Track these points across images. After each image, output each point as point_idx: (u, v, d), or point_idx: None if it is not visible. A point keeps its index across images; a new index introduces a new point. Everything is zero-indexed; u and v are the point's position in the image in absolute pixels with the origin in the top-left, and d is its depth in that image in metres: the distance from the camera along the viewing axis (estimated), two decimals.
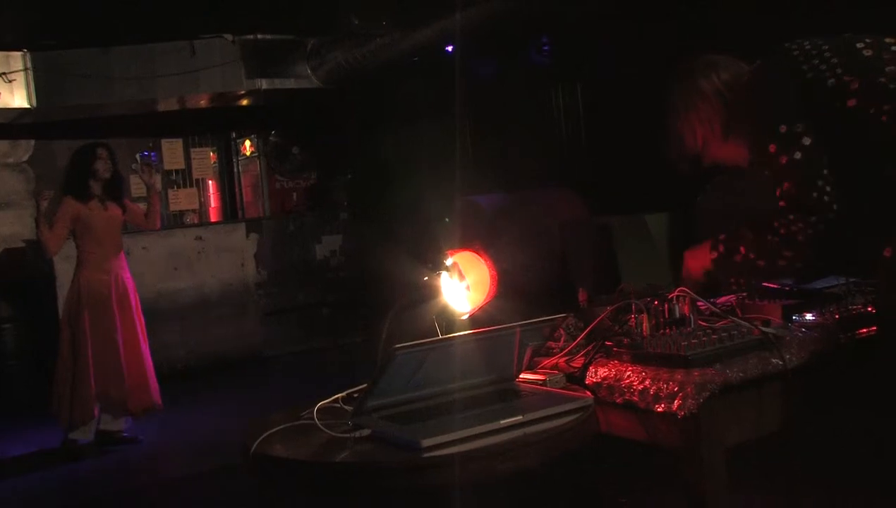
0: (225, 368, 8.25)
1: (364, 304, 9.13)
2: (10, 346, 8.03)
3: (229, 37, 8.44)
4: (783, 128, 1.96)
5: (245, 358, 8.56)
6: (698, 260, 2.25)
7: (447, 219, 7.02)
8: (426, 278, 2.17)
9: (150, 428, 5.81)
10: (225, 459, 4.87)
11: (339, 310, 9.44)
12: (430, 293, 2.15)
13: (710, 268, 2.21)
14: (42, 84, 8.03)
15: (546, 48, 7.40)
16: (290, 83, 8.66)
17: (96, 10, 7.62)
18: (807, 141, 1.94)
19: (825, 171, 1.94)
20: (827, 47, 2.04)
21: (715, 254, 2.18)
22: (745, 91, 2.12)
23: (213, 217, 10.60)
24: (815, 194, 1.92)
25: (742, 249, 2.10)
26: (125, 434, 5.69)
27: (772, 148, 1.98)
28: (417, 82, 8.29)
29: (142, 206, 5.96)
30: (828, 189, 1.93)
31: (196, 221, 10.00)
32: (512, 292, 2.29)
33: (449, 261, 2.14)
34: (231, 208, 10.76)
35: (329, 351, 8.89)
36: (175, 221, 9.79)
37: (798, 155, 1.94)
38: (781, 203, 1.99)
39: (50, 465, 5.43)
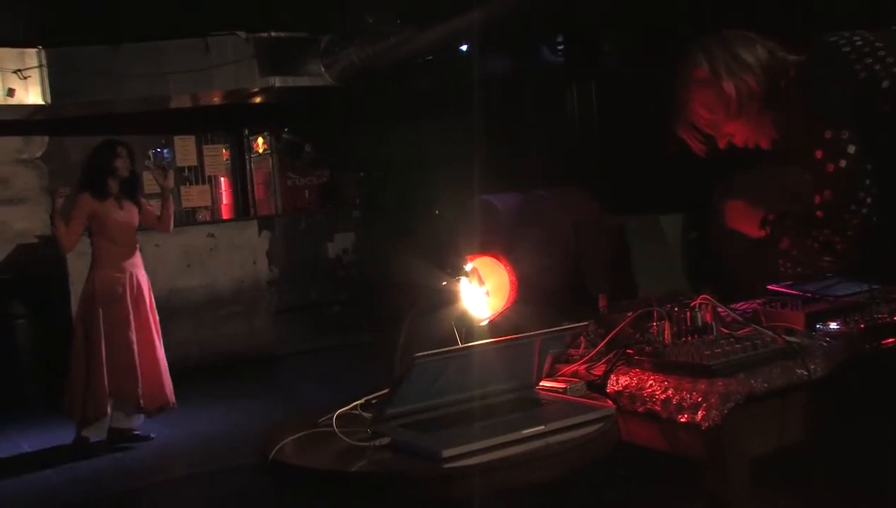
0: (237, 366, 8.25)
1: (376, 303, 9.11)
2: (22, 342, 8.05)
3: (243, 34, 8.43)
4: (829, 134, 1.88)
5: (257, 356, 8.55)
6: (747, 226, 2.20)
7: (437, 212, 6.99)
8: (445, 283, 2.14)
9: (163, 426, 5.81)
10: (237, 459, 4.87)
11: (351, 308, 9.43)
12: (449, 298, 2.13)
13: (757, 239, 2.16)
14: (56, 81, 8.04)
15: (560, 47, 7.37)
16: (303, 81, 8.66)
17: (111, 7, 7.62)
18: (851, 149, 1.86)
19: (867, 182, 1.87)
20: (881, 45, 1.95)
21: (762, 234, 2.12)
22: (791, 89, 2.00)
23: (226, 214, 10.61)
24: (853, 207, 1.86)
25: (786, 241, 2.05)
26: (137, 433, 5.69)
27: (818, 154, 1.90)
28: (430, 81, 8.28)
29: (154, 204, 5.96)
30: (868, 200, 1.86)
31: (208, 218, 10.00)
32: (527, 294, 2.26)
33: (468, 267, 2.12)
34: (243, 205, 10.76)
35: (340, 349, 8.88)
36: (187, 218, 9.80)
37: (843, 163, 1.86)
38: (819, 212, 1.92)
39: (61, 462, 5.44)
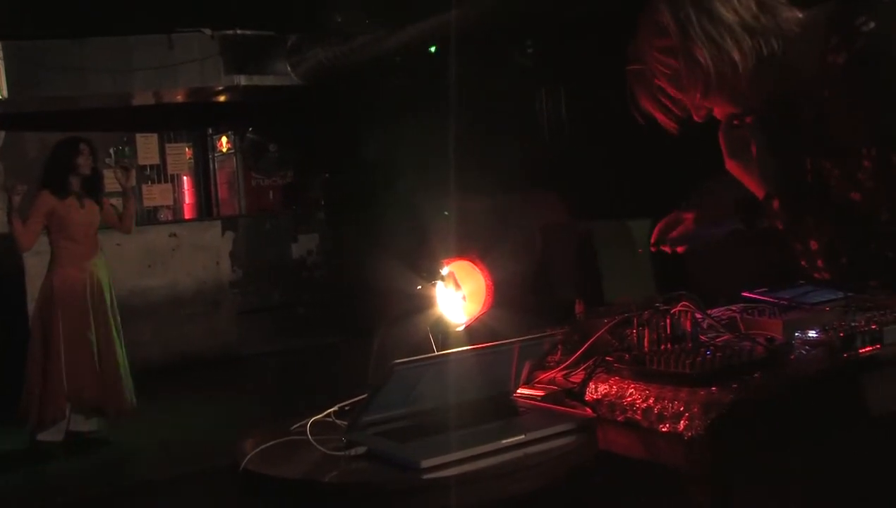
0: (198, 367, 8.13)
1: (340, 305, 9.04)
2: None
3: (208, 31, 8.33)
4: None
5: (219, 357, 8.44)
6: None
7: (445, 213, 6.96)
8: (420, 287, 2.10)
9: (123, 429, 5.68)
10: (201, 463, 4.77)
11: (314, 310, 9.36)
12: (424, 303, 2.08)
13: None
14: (14, 74, 7.88)
15: (530, 50, 7.36)
16: (269, 80, 8.58)
17: (73, 1, 7.47)
18: None
19: None
20: None
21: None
22: (855, 68, 1.56)
23: (188, 214, 10.48)
24: None
25: (813, 245, 1.67)
26: (96, 436, 5.57)
27: None
28: (399, 82, 8.22)
29: (116, 200, 5.84)
30: None
31: (170, 218, 9.86)
32: (503, 299, 2.23)
33: (445, 271, 2.07)
34: (206, 205, 10.63)
35: (303, 351, 8.80)
36: (149, 217, 9.64)
37: None
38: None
39: (17, 467, 5.30)
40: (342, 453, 1.62)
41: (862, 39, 1.54)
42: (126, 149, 9.88)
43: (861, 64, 1.54)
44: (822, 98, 1.61)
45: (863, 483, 1.93)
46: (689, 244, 2.07)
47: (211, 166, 10.68)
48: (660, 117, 1.76)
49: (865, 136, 1.55)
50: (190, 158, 10.56)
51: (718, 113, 1.76)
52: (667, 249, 2.03)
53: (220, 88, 8.77)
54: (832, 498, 1.92)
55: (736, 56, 1.61)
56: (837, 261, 1.66)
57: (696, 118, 1.76)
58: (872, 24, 1.54)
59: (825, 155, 1.64)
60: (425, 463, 1.51)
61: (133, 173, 6.07)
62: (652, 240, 2.05)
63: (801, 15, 1.65)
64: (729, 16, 1.61)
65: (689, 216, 2.02)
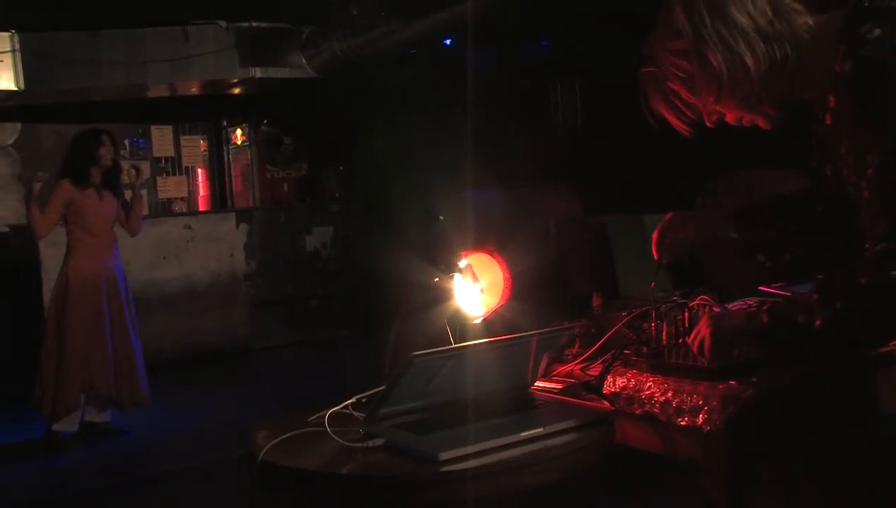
0: (212, 359, 8.16)
1: (353, 297, 9.05)
2: None
3: (223, 23, 8.32)
4: None
5: (232, 350, 8.47)
6: (727, 325, 1.78)
7: (442, 218, 6.95)
8: (437, 279, 2.09)
9: (137, 421, 5.70)
10: (213, 454, 4.79)
11: (328, 303, 9.36)
12: (441, 295, 2.07)
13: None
14: (30, 66, 7.89)
15: (544, 43, 7.34)
16: (284, 72, 8.56)
17: None
18: None
19: None
20: None
21: (757, 324, 1.71)
22: (867, 73, 1.53)
23: (202, 206, 10.50)
24: None
25: (800, 317, 1.63)
26: (110, 427, 5.59)
27: None
28: (414, 75, 8.21)
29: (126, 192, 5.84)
30: None
31: (184, 210, 9.88)
32: (519, 292, 2.22)
33: (463, 263, 2.06)
34: (220, 197, 10.65)
35: (316, 344, 8.82)
36: (163, 209, 9.67)
37: None
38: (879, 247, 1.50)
39: (31, 457, 5.33)
40: (360, 444, 1.62)
41: (868, 47, 1.52)
42: (141, 141, 9.91)
43: (865, 72, 1.52)
44: (833, 106, 1.61)
45: (877, 478, 1.91)
46: (683, 252, 2.07)
47: (225, 158, 10.70)
48: (672, 120, 1.75)
49: (871, 145, 1.51)
50: (204, 150, 10.58)
51: (730, 118, 1.75)
52: (658, 257, 2.05)
53: (235, 81, 8.77)
54: (855, 492, 1.91)
55: (749, 60, 1.60)
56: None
57: (707, 123, 1.75)
58: (878, 32, 1.52)
59: (841, 162, 1.64)
60: (443, 456, 1.51)
61: (144, 172, 6.05)
62: (653, 248, 2.06)
63: (812, 22, 1.64)
64: (743, 20, 1.60)
65: (689, 221, 2.02)
